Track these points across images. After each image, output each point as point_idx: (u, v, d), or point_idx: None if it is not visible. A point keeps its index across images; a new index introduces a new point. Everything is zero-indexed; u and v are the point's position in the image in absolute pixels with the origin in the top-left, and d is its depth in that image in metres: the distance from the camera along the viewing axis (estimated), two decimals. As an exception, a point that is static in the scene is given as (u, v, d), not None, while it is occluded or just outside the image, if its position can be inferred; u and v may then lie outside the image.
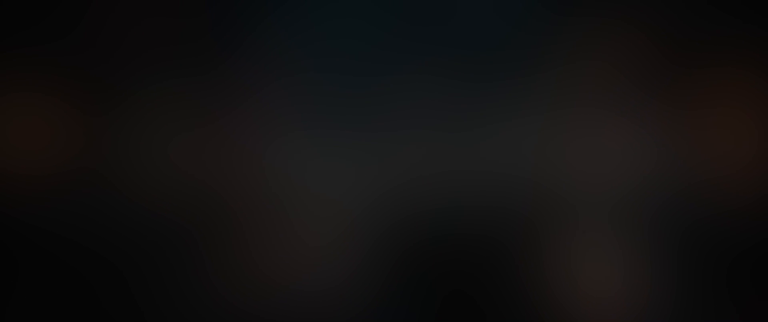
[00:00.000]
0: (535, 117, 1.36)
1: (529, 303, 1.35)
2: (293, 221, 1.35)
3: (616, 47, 1.36)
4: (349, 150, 1.35)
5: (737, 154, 1.36)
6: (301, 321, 1.35)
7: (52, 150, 1.34)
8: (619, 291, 1.36)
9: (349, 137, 1.35)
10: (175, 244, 1.35)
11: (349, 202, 1.35)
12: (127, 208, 1.34)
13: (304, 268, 1.35)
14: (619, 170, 1.36)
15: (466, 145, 1.35)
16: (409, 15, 1.35)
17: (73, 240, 1.34)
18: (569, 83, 1.36)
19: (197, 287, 1.35)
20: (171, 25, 1.35)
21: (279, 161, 1.35)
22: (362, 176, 1.35)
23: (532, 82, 1.36)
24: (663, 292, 1.36)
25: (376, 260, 1.34)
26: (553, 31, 1.36)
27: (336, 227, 1.35)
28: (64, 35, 1.35)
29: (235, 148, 1.35)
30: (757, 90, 1.36)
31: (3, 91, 1.35)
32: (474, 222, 1.35)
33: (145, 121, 1.35)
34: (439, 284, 1.34)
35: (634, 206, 1.35)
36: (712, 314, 1.36)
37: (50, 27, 1.35)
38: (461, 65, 1.36)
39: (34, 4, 1.35)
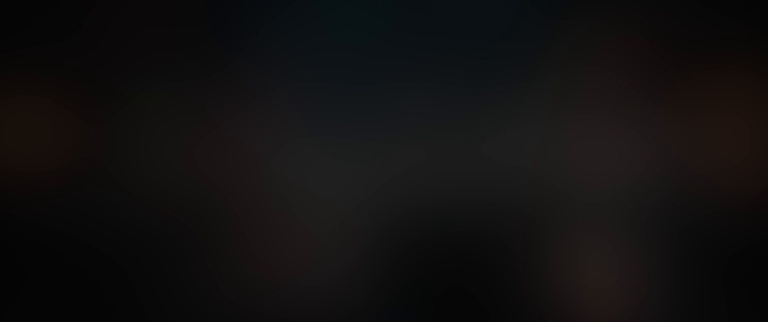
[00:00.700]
0: (534, 115, 1.36)
1: (528, 301, 1.35)
2: (293, 219, 1.35)
3: (613, 48, 1.37)
4: (349, 148, 1.35)
5: (735, 153, 1.36)
6: (301, 318, 1.35)
7: (57, 149, 1.35)
8: (619, 290, 1.35)
9: (349, 135, 1.35)
10: (175, 242, 1.35)
11: (348, 199, 1.35)
12: (130, 207, 1.35)
13: (304, 265, 1.35)
14: (619, 170, 1.36)
15: (466, 143, 1.36)
16: (409, 12, 1.36)
17: (78, 239, 1.35)
18: (569, 82, 1.36)
19: (197, 284, 1.35)
20: (172, 27, 1.36)
21: (279, 160, 1.35)
22: (362, 174, 1.35)
23: (531, 80, 1.36)
24: (662, 290, 1.36)
25: (375, 257, 1.35)
26: (551, 32, 1.36)
27: (335, 224, 1.35)
28: (67, 37, 1.36)
29: (236, 148, 1.36)
30: (754, 90, 1.36)
31: (8, 92, 1.36)
32: (473, 220, 1.35)
33: (145, 121, 1.36)
34: (438, 281, 1.35)
35: (634, 205, 1.35)
36: (711, 312, 1.36)
37: (53, 29, 1.37)
38: (461, 64, 1.36)
39: (36, 6, 1.37)
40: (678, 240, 1.35)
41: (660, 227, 1.35)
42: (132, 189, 1.35)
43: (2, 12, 1.36)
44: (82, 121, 1.36)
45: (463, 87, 1.36)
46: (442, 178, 1.35)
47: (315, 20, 1.36)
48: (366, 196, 1.35)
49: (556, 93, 1.36)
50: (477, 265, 1.34)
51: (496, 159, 1.35)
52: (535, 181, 1.35)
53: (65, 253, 1.35)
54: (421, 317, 1.34)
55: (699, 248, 1.36)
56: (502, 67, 1.36)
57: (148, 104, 1.36)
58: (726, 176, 1.36)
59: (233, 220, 1.35)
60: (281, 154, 1.35)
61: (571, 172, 1.36)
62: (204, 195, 1.35)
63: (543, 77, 1.36)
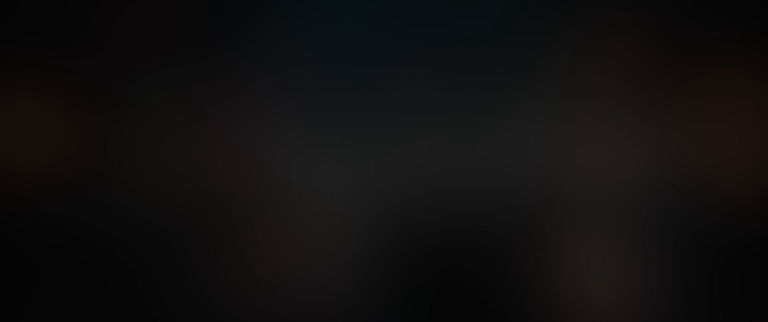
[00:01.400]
0: (535, 115, 1.36)
1: (527, 300, 1.35)
2: (294, 217, 1.35)
3: (610, 51, 1.37)
4: (350, 145, 1.35)
5: (732, 152, 1.36)
6: (302, 314, 1.35)
7: (65, 149, 1.35)
8: (618, 288, 1.36)
9: (349, 133, 1.35)
10: (176, 239, 1.35)
11: (348, 197, 1.35)
12: (135, 206, 1.35)
13: (305, 262, 1.35)
14: (618, 169, 1.36)
15: (466, 141, 1.35)
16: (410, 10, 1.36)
17: (85, 237, 1.35)
18: (570, 80, 1.36)
19: (197, 280, 1.35)
20: (173, 26, 1.36)
21: (279, 159, 1.35)
22: (361, 171, 1.35)
23: (532, 78, 1.36)
24: (662, 289, 1.36)
25: (374, 254, 1.35)
26: (550, 31, 1.36)
27: (335, 221, 1.35)
28: (70, 40, 1.36)
29: (236, 147, 1.35)
30: (752, 91, 1.36)
31: (14, 94, 1.35)
32: (472, 218, 1.35)
33: (149, 121, 1.36)
34: (437, 278, 1.35)
35: (633, 204, 1.35)
36: (709, 310, 1.37)
37: (57, 32, 1.36)
38: (462, 61, 1.36)
39: (39, 10, 1.36)
40: (676, 238, 1.35)
41: (658, 225, 1.35)
42: (137, 188, 1.35)
43: (8, 15, 1.36)
44: (88, 122, 1.35)
45: (463, 85, 1.36)
46: (442, 176, 1.35)
47: (316, 19, 1.35)
48: (367, 192, 1.34)
49: (557, 91, 1.36)
50: (475, 261, 1.34)
51: (496, 158, 1.35)
52: (535, 179, 1.35)
53: (72, 251, 1.35)
54: (421, 315, 1.34)
55: (697, 247, 1.36)
56: (504, 63, 1.36)
57: (152, 105, 1.36)
58: (724, 175, 1.36)
59: (233, 219, 1.35)
60: (281, 153, 1.35)
61: (570, 170, 1.35)
62: (204, 193, 1.35)
63: (544, 75, 1.36)
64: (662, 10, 1.37)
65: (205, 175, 1.35)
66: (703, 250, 1.36)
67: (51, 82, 1.36)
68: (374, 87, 1.35)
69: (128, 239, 1.35)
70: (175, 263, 1.35)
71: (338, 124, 1.35)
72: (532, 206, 1.35)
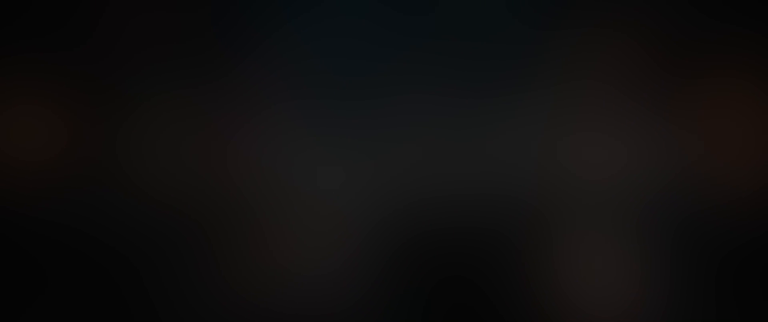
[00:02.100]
0: (535, 114, 1.36)
1: (526, 298, 1.35)
2: (294, 215, 1.35)
3: (609, 52, 1.36)
4: (351, 142, 1.34)
5: (732, 151, 1.35)
6: (303, 311, 1.35)
7: (72, 149, 1.35)
8: (619, 286, 1.35)
9: (350, 131, 1.34)
10: (177, 238, 1.35)
11: (347, 195, 1.34)
12: (136, 205, 1.35)
13: (305, 260, 1.35)
14: (617, 167, 1.36)
15: (466, 140, 1.35)
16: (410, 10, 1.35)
17: (91, 235, 1.35)
18: (570, 79, 1.36)
19: (197, 278, 1.34)
20: (172, 22, 1.35)
21: (279, 159, 1.35)
22: (360, 170, 1.35)
23: (533, 75, 1.36)
24: (661, 288, 1.36)
25: (374, 252, 1.34)
26: (551, 29, 1.36)
27: (335, 219, 1.34)
28: (74, 43, 1.35)
29: (235, 147, 1.35)
30: (750, 91, 1.35)
31: (14, 94, 1.35)
32: (473, 216, 1.34)
33: (147, 121, 1.35)
34: (437, 274, 1.34)
35: (632, 203, 1.35)
36: (710, 309, 1.36)
37: (59, 33, 1.36)
38: (463, 57, 1.36)
39: (40, 10, 1.36)
40: (675, 237, 1.35)
41: (657, 223, 1.35)
42: (139, 187, 1.35)
43: (9, 16, 1.35)
44: (94, 122, 1.35)
45: (464, 83, 1.36)
46: (441, 175, 1.34)
47: (317, 20, 1.35)
48: (368, 190, 1.34)
49: (558, 90, 1.36)
50: (475, 258, 1.34)
51: (496, 156, 1.35)
52: (535, 178, 1.35)
53: (78, 248, 1.34)
54: (421, 312, 1.34)
55: (696, 245, 1.35)
56: (506, 57, 1.35)
57: (152, 104, 1.35)
58: (723, 174, 1.35)
59: (230, 218, 1.35)
60: (280, 152, 1.35)
61: (570, 169, 1.35)
62: (203, 193, 1.35)
63: (544, 73, 1.36)
64: (660, 12, 1.36)
65: (205, 174, 1.35)
66: (702, 248, 1.35)
67: (56, 85, 1.36)
68: (373, 84, 1.35)
69: (132, 236, 1.35)
70: (175, 260, 1.35)
71: (338, 124, 1.35)
72: (532, 204, 1.35)
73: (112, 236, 1.35)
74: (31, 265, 1.35)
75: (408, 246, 1.34)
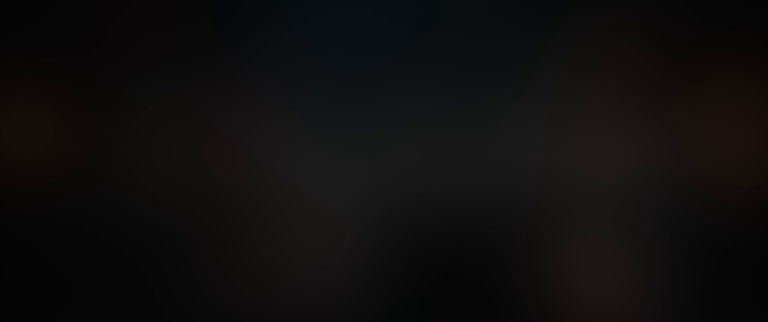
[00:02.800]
0: (536, 114, 1.35)
1: (526, 296, 1.35)
2: (294, 215, 1.35)
3: (609, 53, 1.35)
4: (352, 141, 1.34)
5: (731, 151, 1.35)
6: (303, 309, 1.36)
7: (80, 150, 1.35)
8: (618, 284, 1.35)
9: (350, 129, 1.34)
10: (179, 236, 1.35)
11: (347, 194, 1.35)
12: (138, 204, 1.36)
13: (306, 259, 1.35)
14: (617, 167, 1.35)
15: (463, 138, 1.35)
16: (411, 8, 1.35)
17: (96, 233, 1.35)
18: (570, 77, 1.35)
19: (197, 276, 1.35)
20: (174, 28, 1.35)
21: (279, 158, 1.35)
22: (359, 169, 1.35)
23: (532, 72, 1.35)
24: (660, 287, 1.35)
25: (374, 250, 1.34)
26: (552, 28, 1.35)
27: (335, 217, 1.35)
28: (75, 43, 1.36)
29: (234, 147, 1.36)
30: (749, 92, 1.34)
31: (14, 94, 1.36)
32: (472, 214, 1.35)
33: (146, 121, 1.36)
34: (436, 271, 1.34)
35: (631, 203, 1.35)
36: (707, 306, 1.36)
37: (58, 32, 1.36)
38: (464, 54, 1.35)
39: (39, 8, 1.37)
40: (674, 235, 1.34)
41: (657, 222, 1.34)
42: (145, 186, 1.35)
43: (6, 12, 1.36)
44: (93, 122, 1.36)
45: (462, 83, 1.35)
46: (440, 174, 1.34)
47: (319, 17, 1.35)
48: (367, 189, 1.34)
49: (558, 90, 1.35)
50: (473, 255, 1.34)
51: (495, 155, 1.35)
52: (534, 177, 1.35)
53: (84, 246, 1.35)
54: (418, 309, 1.35)
55: (694, 243, 1.34)
56: (506, 54, 1.35)
57: (152, 103, 1.36)
58: (722, 174, 1.34)
59: (227, 217, 1.36)
60: (280, 151, 1.35)
61: (571, 168, 1.35)
62: (202, 192, 1.35)
63: (544, 72, 1.35)
64: (658, 17, 1.35)
65: (207, 174, 1.35)
66: (700, 246, 1.34)
67: (67, 90, 1.36)
68: (373, 83, 1.35)
69: (136, 235, 1.35)
70: (178, 257, 1.35)
71: (337, 123, 1.35)
72: (531, 202, 1.35)
73: (117, 234, 1.35)
74: (39, 263, 1.36)
75: (406, 244, 1.34)
